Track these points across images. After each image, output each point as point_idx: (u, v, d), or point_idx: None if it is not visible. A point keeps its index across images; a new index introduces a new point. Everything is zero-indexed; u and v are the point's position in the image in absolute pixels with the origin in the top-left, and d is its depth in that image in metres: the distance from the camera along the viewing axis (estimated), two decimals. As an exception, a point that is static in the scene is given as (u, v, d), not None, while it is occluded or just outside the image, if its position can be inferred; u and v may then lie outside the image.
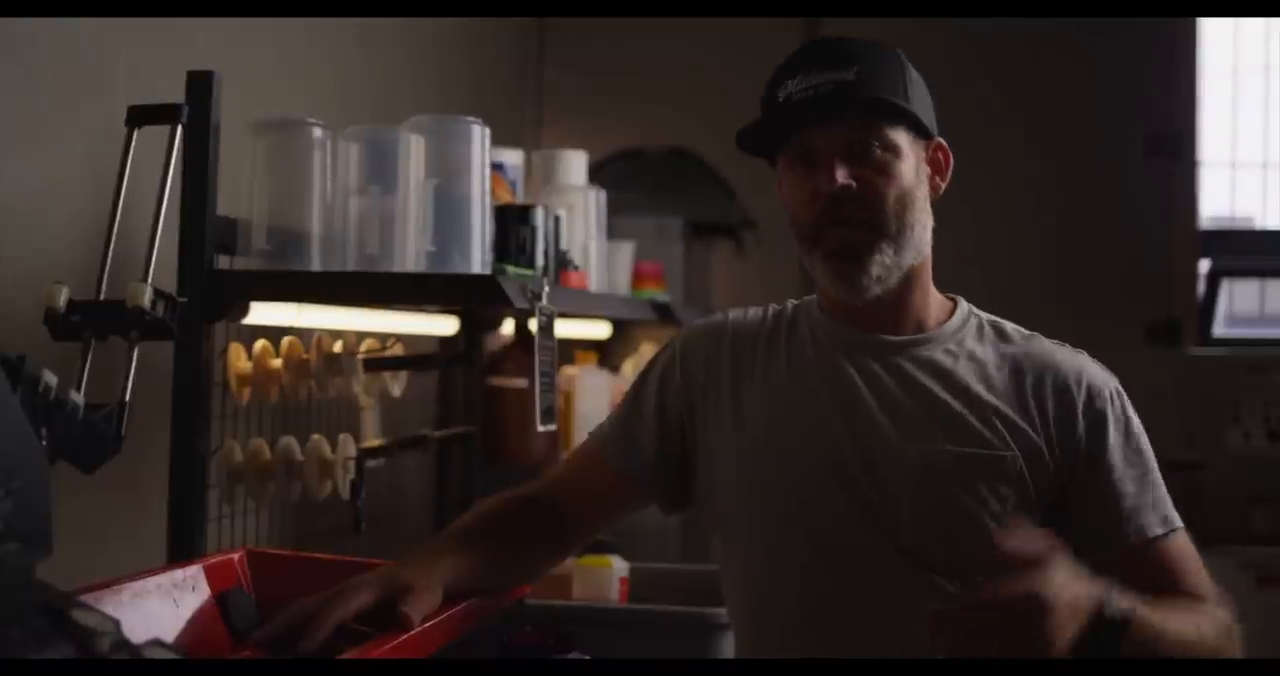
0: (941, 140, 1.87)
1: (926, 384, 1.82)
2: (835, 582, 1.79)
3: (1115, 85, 4.84)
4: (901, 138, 1.79)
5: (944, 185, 1.87)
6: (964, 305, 1.92)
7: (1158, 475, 1.82)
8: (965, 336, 1.87)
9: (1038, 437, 1.79)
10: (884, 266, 1.78)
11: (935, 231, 1.85)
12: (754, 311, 1.98)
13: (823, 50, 1.79)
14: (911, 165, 1.79)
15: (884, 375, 1.83)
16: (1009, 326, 1.91)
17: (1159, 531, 1.78)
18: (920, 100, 1.82)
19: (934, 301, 1.90)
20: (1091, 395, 1.81)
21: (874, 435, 1.80)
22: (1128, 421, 1.83)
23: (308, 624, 1.51)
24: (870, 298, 1.80)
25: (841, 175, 1.75)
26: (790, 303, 1.97)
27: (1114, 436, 1.80)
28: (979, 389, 1.82)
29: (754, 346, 1.92)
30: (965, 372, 1.83)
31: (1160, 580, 1.74)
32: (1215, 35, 5.15)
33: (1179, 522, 1.81)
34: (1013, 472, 1.77)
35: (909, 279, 1.83)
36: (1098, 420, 1.80)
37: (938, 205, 1.87)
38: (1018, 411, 1.80)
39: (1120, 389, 1.85)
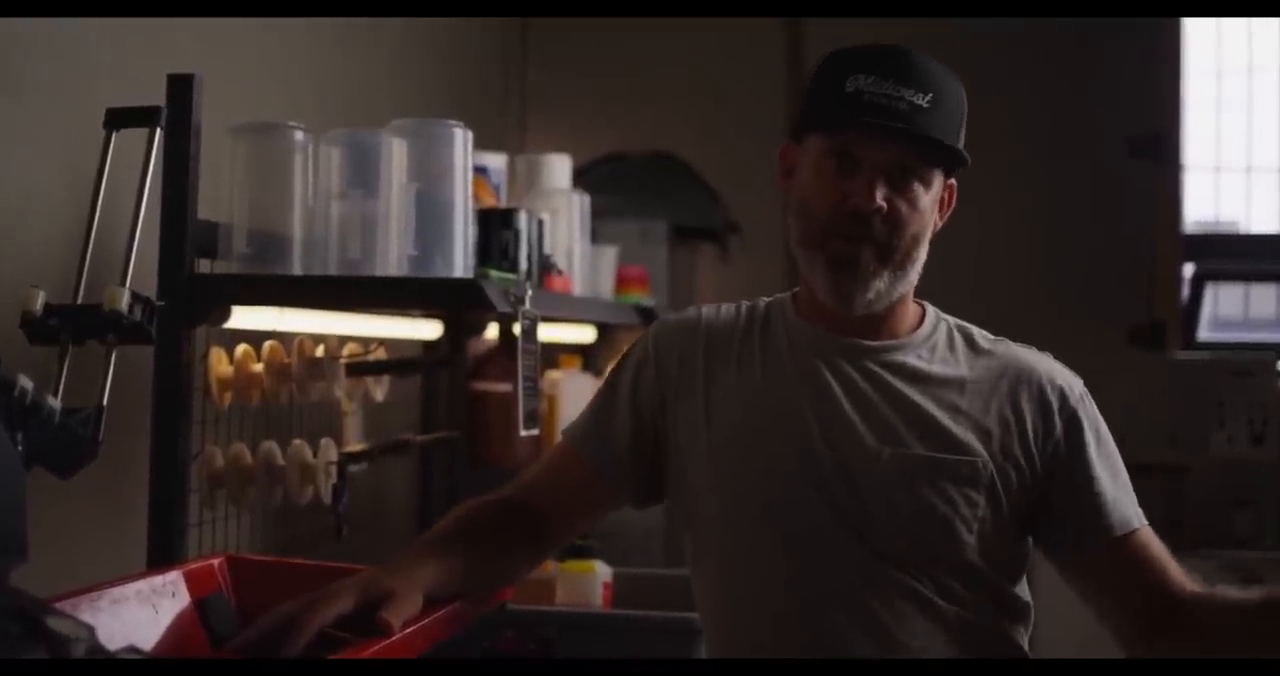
0: (954, 182, 1.86)
1: (901, 388, 1.82)
2: (810, 584, 1.78)
3: (1099, 87, 4.84)
4: (936, 176, 1.80)
5: (940, 225, 1.86)
6: (932, 311, 1.93)
7: (1126, 473, 1.86)
8: (937, 342, 1.88)
9: (1012, 442, 1.80)
10: (879, 292, 1.79)
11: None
12: (727, 308, 1.97)
13: (903, 62, 1.77)
14: (933, 201, 1.81)
15: (858, 378, 1.83)
16: (976, 332, 1.92)
17: (1137, 524, 1.83)
18: (961, 138, 1.82)
19: (908, 309, 1.90)
20: (1065, 397, 1.84)
21: (848, 437, 1.80)
22: (1097, 420, 1.86)
23: (287, 630, 1.50)
24: (857, 313, 1.81)
25: (880, 196, 1.74)
26: (763, 300, 1.96)
27: (1089, 435, 1.84)
28: (953, 394, 1.83)
29: (728, 345, 1.91)
30: (939, 378, 1.84)
31: (1147, 568, 1.80)
32: (1199, 37, 5.15)
33: (1145, 519, 1.85)
34: (984, 478, 1.78)
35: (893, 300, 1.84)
36: (1073, 420, 1.83)
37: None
38: (991, 416, 1.81)
39: (1085, 390, 1.88)
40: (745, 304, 1.97)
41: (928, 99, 1.75)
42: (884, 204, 1.75)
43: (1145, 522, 1.83)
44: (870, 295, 1.78)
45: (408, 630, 1.55)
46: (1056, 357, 1.91)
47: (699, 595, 1.92)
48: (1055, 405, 1.83)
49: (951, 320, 1.93)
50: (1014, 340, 1.92)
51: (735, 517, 1.83)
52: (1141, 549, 1.81)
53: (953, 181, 1.86)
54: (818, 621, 1.78)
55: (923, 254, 1.82)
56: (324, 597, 1.55)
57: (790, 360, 1.87)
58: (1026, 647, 1.85)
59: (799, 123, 1.85)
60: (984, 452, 1.79)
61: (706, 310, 1.98)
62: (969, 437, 1.79)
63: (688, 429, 1.88)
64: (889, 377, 1.83)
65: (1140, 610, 1.79)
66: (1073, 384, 1.86)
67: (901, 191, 1.76)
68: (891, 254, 1.77)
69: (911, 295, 1.89)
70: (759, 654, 1.81)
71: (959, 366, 1.85)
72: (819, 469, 1.79)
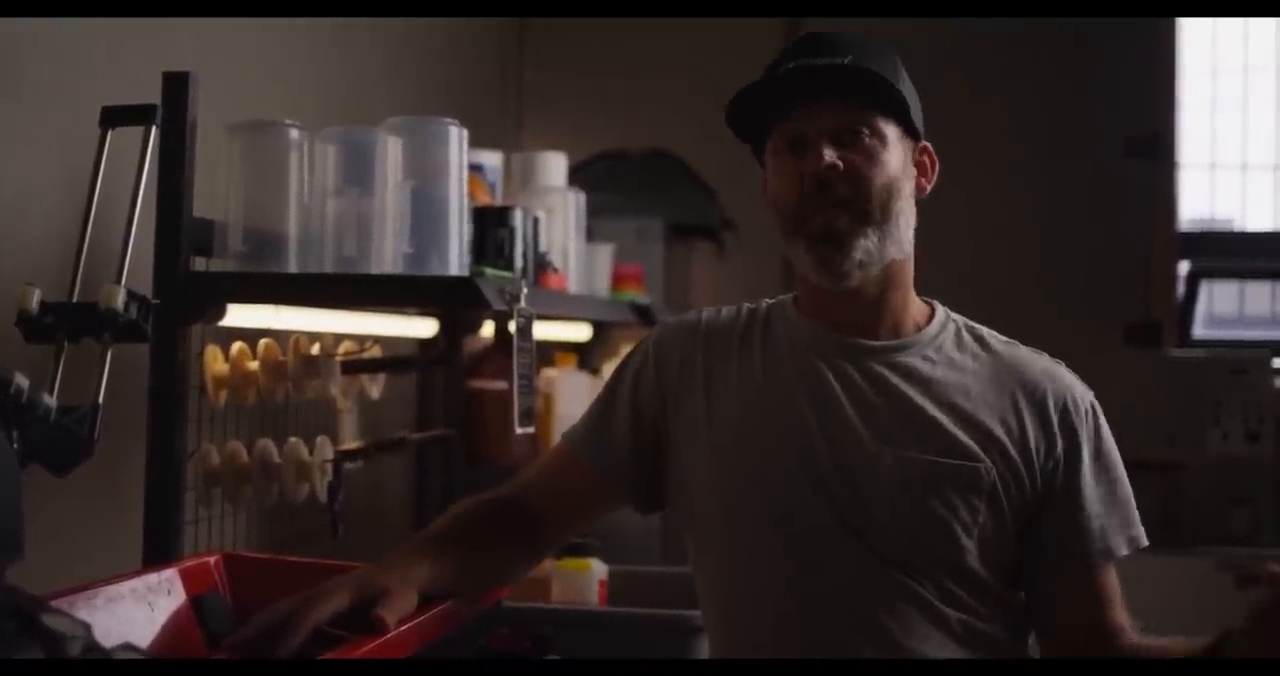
0: (928, 144, 1.86)
1: (904, 390, 1.81)
2: (809, 584, 1.78)
3: (1095, 86, 4.84)
4: (890, 130, 1.79)
5: (929, 187, 1.86)
6: (942, 310, 1.91)
7: (1127, 491, 1.84)
8: (944, 342, 1.86)
9: (1014, 450, 1.78)
10: (866, 251, 1.76)
11: (917, 232, 1.84)
12: (727, 310, 1.96)
13: (819, 39, 1.80)
14: (899, 157, 1.79)
15: (860, 380, 1.82)
16: (988, 333, 1.90)
17: (1125, 551, 1.81)
18: (910, 96, 1.82)
19: (913, 305, 1.88)
20: (1069, 410, 1.82)
21: (849, 439, 1.79)
22: (1100, 439, 1.84)
23: (283, 627, 1.50)
24: (852, 285, 1.79)
25: (829, 155, 1.74)
26: (764, 301, 1.96)
27: (1087, 454, 1.81)
28: (957, 398, 1.81)
29: (728, 346, 1.91)
30: (944, 380, 1.82)
31: (1100, 605, 1.80)
32: (1195, 37, 5.15)
33: (1144, 540, 1.83)
34: (985, 484, 1.76)
35: (889, 276, 1.82)
36: (1073, 437, 1.81)
37: (920, 206, 1.86)
38: (996, 422, 1.79)
39: (1096, 403, 1.85)
40: (746, 305, 1.96)
41: (848, 58, 1.76)
42: (837, 162, 1.74)
43: (1144, 542, 1.82)
44: (858, 255, 1.76)
45: (403, 628, 1.55)
46: (1054, 356, 1.89)
47: (701, 594, 1.92)
48: (1056, 418, 1.81)
49: (961, 320, 1.90)
50: (1013, 340, 1.91)
51: (735, 517, 1.83)
52: (1102, 586, 1.80)
53: (926, 143, 1.86)
54: (818, 621, 1.77)
55: (905, 209, 1.80)
56: (319, 595, 1.55)
57: (790, 360, 1.86)
58: (1028, 651, 1.85)
59: (754, 140, 1.89)
60: (986, 458, 1.77)
61: (707, 312, 1.97)
62: (971, 443, 1.77)
63: (688, 428, 1.88)
64: (892, 378, 1.82)
65: (1076, 645, 1.80)
66: (1080, 397, 1.84)
67: (856, 149, 1.76)
68: (867, 210, 1.76)
69: (912, 287, 1.87)
70: (760, 653, 1.80)
71: (966, 368, 1.83)
72: (818, 468, 1.78)
